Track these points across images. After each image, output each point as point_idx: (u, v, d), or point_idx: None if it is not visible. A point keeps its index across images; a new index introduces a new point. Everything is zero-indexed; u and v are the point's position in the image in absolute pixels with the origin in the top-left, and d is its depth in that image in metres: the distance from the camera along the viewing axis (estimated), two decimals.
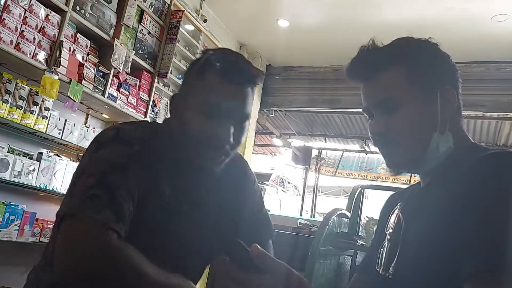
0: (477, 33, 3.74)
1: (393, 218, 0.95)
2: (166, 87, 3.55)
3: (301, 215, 6.52)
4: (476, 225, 0.70)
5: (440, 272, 0.74)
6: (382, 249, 0.94)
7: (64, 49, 2.55)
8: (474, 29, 3.69)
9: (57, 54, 2.49)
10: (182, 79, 1.04)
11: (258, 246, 0.69)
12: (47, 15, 2.47)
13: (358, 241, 2.61)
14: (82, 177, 0.86)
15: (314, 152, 7.10)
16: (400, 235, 0.88)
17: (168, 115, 1.08)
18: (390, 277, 0.87)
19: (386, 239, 0.93)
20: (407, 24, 3.67)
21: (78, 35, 2.70)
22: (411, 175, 4.57)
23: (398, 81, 0.88)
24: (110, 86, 2.90)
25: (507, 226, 0.67)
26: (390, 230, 0.93)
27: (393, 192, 1.12)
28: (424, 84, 0.87)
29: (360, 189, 2.98)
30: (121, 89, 3.00)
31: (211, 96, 0.95)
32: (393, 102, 0.87)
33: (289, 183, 8.99)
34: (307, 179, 7.21)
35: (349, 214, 2.83)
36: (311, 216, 6.67)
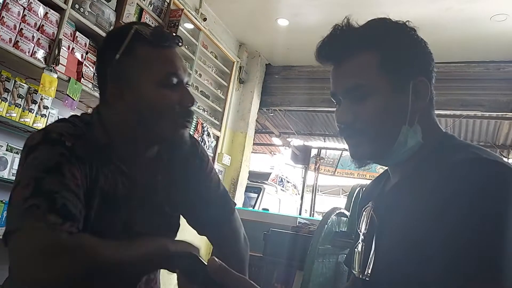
0: (476, 33, 3.74)
1: (365, 217, 0.91)
2: None
3: (300, 214, 6.52)
4: (453, 237, 0.67)
5: (415, 276, 0.72)
6: (356, 250, 0.90)
7: (63, 47, 2.55)
8: (473, 29, 3.69)
9: (56, 53, 2.49)
10: (105, 67, 0.98)
11: (216, 259, 0.60)
12: (46, 13, 2.47)
13: None
14: (17, 188, 0.82)
15: (314, 152, 7.09)
16: (373, 236, 0.85)
17: (104, 105, 1.01)
18: (367, 279, 0.84)
19: (360, 239, 0.90)
20: None
21: (77, 33, 2.70)
22: None
23: (369, 68, 0.83)
24: None
25: (484, 238, 0.65)
26: (364, 231, 0.89)
27: (367, 183, 1.07)
28: (396, 74, 0.82)
29: (358, 188, 2.98)
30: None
31: (163, 66, 0.95)
32: (362, 91, 0.82)
33: (288, 182, 8.98)
34: (306, 178, 7.21)
35: (348, 213, 2.83)
36: (310, 215, 6.67)
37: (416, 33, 0.87)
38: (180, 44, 1.01)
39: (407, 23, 0.88)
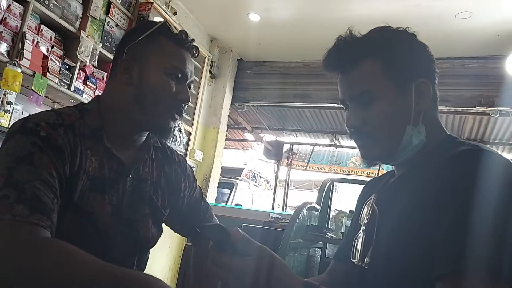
0: (442, 30, 3.83)
1: (367, 209, 0.96)
2: None
3: (273, 209, 6.56)
4: (447, 225, 0.70)
5: (413, 264, 0.75)
6: (356, 240, 0.95)
7: (27, 41, 2.47)
8: (439, 26, 3.79)
9: (20, 46, 2.41)
10: (126, 44, 1.06)
11: (240, 230, 0.69)
12: (9, 5, 2.38)
13: (327, 233, 2.64)
14: None
15: (286, 147, 7.13)
16: (374, 227, 0.89)
17: (115, 83, 1.06)
18: (365, 267, 0.88)
19: (361, 229, 0.94)
20: (377, 20, 3.69)
21: (42, 26, 2.62)
22: (379, 169, 4.67)
23: (373, 74, 0.88)
24: (76, 80, 2.83)
25: (477, 227, 0.67)
26: (365, 221, 0.94)
27: (370, 179, 1.13)
28: (398, 77, 0.87)
29: (329, 182, 3.03)
30: (87, 83, 2.93)
31: (175, 60, 1.05)
32: (368, 96, 0.88)
33: (261, 177, 9.01)
34: (279, 173, 7.25)
35: (319, 207, 2.87)
36: (283, 210, 6.72)
37: (416, 39, 0.92)
38: (195, 55, 1.12)
39: (406, 29, 0.93)
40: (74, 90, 2.80)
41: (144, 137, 1.10)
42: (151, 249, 1.15)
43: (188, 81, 1.08)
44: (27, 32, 2.47)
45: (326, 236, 2.63)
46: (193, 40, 1.11)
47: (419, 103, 0.88)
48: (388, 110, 0.87)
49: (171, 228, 1.25)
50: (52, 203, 0.84)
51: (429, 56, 0.93)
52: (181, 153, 4.31)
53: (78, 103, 1.07)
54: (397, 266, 0.79)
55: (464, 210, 0.69)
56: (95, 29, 2.99)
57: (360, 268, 0.89)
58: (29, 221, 0.78)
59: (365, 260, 0.88)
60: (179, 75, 1.05)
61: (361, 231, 0.94)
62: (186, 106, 1.09)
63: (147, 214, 1.07)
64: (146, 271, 1.05)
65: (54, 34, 2.72)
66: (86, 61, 2.87)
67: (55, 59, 2.69)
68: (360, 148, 0.93)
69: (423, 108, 0.88)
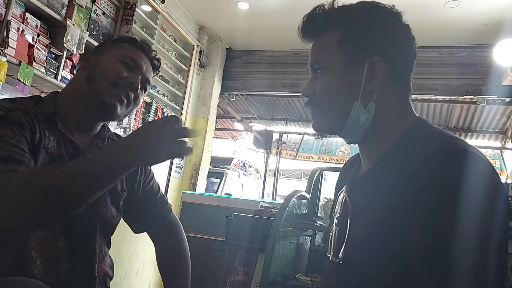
0: (430, 19, 3.85)
1: (339, 201, 0.93)
2: None
3: (262, 198, 6.59)
4: (428, 238, 0.68)
5: (385, 264, 0.75)
6: (331, 234, 0.93)
7: (12, 29, 2.42)
8: (428, 15, 3.80)
9: (4, 35, 2.36)
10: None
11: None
12: None
13: (316, 221, 2.66)
14: None
15: (275, 136, 7.14)
16: (347, 221, 0.87)
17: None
18: (340, 262, 0.86)
19: (334, 223, 0.92)
20: None
21: (27, 14, 2.57)
22: None
23: (330, 46, 0.87)
24: (63, 69, 2.79)
25: (455, 229, 0.66)
26: (338, 215, 0.92)
27: (346, 161, 1.10)
28: (352, 52, 0.85)
29: (319, 171, 3.04)
30: (75, 72, 2.89)
31: (131, 53, 1.15)
32: (319, 65, 0.88)
33: (250, 167, 9.02)
34: (269, 162, 7.26)
35: (308, 196, 2.88)
36: (272, 199, 6.75)
37: (397, 17, 0.89)
38: (156, 66, 1.23)
39: (390, 7, 0.89)
40: (61, 80, 2.76)
41: (99, 128, 1.17)
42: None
43: (141, 76, 1.15)
44: (11, 20, 2.42)
45: (316, 224, 2.65)
46: (155, 51, 1.22)
47: (371, 81, 0.84)
48: (334, 82, 0.86)
49: (130, 226, 1.29)
50: (28, 159, 0.92)
51: (398, 36, 0.87)
52: None
53: (35, 95, 1.13)
54: (370, 264, 0.78)
55: (445, 222, 0.66)
56: (81, 18, 2.95)
57: (336, 263, 0.88)
58: (6, 169, 0.85)
59: (339, 255, 0.87)
60: (132, 63, 1.13)
61: (333, 225, 0.92)
62: (134, 94, 1.13)
63: (105, 194, 1.12)
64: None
65: (40, 22, 2.67)
66: (73, 50, 2.83)
67: (41, 48, 2.64)
68: (312, 118, 0.92)
69: (375, 87, 0.84)
